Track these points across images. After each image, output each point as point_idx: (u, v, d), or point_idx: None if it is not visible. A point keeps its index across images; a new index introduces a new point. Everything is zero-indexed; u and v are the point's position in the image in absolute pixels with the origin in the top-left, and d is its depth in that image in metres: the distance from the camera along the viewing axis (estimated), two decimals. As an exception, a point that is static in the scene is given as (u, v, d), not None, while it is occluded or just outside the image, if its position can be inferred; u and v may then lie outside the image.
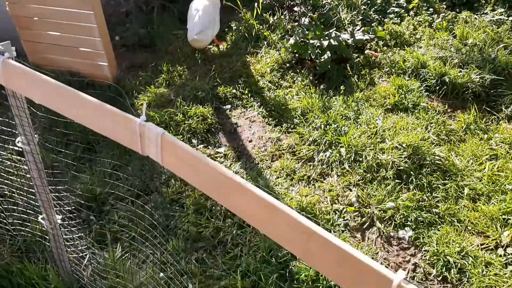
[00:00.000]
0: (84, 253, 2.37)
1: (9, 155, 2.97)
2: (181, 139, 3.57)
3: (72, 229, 2.55)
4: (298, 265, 2.66)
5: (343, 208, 3.02)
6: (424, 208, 2.95)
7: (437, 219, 2.90)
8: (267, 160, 3.41)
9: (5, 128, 2.48)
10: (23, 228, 2.66)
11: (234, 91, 3.99)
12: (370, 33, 4.43)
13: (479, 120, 3.58)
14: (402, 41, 4.40)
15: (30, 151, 1.84)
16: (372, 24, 4.61)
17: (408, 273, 2.69)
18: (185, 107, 3.76)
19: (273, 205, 1.04)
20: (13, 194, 2.83)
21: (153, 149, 1.28)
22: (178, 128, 3.62)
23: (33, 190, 2.14)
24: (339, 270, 0.98)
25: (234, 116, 3.82)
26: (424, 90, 3.86)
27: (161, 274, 2.25)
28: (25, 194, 2.59)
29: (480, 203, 2.99)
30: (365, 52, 4.32)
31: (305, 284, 2.58)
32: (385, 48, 4.34)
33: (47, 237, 2.36)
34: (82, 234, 2.73)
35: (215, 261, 2.71)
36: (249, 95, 3.97)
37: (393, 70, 4.07)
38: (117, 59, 4.32)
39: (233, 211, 1.17)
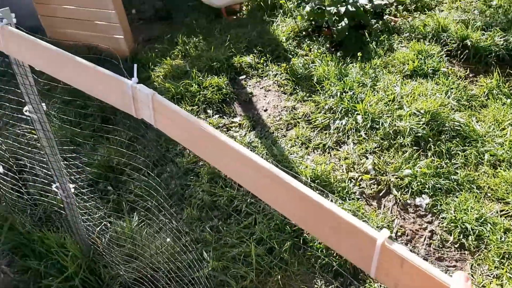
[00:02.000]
0: (99, 221, 2.42)
1: (28, 127, 3.04)
2: (197, 109, 3.57)
3: (89, 198, 2.61)
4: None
5: (359, 176, 2.98)
6: (442, 175, 2.88)
7: (456, 186, 2.83)
8: (282, 129, 3.39)
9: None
10: (43, 198, 2.73)
11: (249, 60, 3.95)
12: (390, -3, 4.29)
13: (502, 84, 3.46)
14: (423, 5, 4.25)
15: (37, 120, 1.86)
16: (392, -12, 4.46)
17: (424, 240, 2.65)
18: (200, 78, 3.75)
19: (257, 164, 1.03)
20: (33, 166, 2.91)
21: (146, 111, 1.28)
22: (193, 99, 3.62)
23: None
24: (326, 229, 0.96)
25: (249, 85, 3.80)
26: (444, 55, 3.74)
27: (168, 240, 2.28)
28: (44, 165, 2.65)
29: (501, 169, 2.90)
30: (384, 17, 4.19)
31: (319, 251, 2.58)
32: (405, 13, 4.21)
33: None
34: (99, 203, 2.79)
35: (229, 229, 2.73)
36: (265, 64, 3.92)
37: (413, 35, 3.95)
38: (133, 32, 4.33)
39: (225, 173, 1.16)
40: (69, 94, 3.61)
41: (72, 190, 2.16)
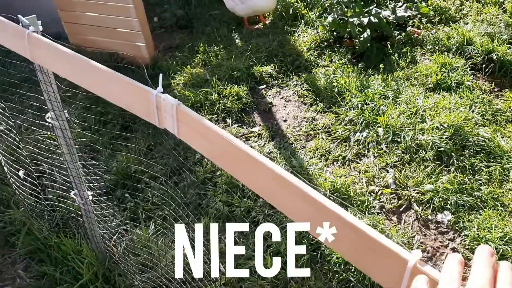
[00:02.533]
0: (115, 230, 2.41)
1: (48, 133, 3.06)
2: (216, 118, 3.56)
3: (106, 206, 2.60)
4: (330, 247, 2.60)
5: (379, 189, 2.93)
6: (465, 191, 2.81)
7: (479, 203, 2.76)
8: (301, 140, 3.35)
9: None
10: (61, 205, 2.73)
11: (269, 70, 3.93)
12: (413, 9, 4.23)
13: (528, 99, 3.37)
14: (447, 17, 4.18)
15: (59, 127, 1.86)
16: (415, 0, 4.40)
17: (445, 257, 2.58)
18: (220, 86, 3.74)
19: (284, 178, 0.99)
20: (52, 172, 2.92)
21: (169, 121, 1.25)
22: (213, 107, 3.61)
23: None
24: (353, 249, 0.92)
25: (269, 95, 3.77)
26: (469, 68, 3.66)
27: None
28: (63, 171, 2.65)
29: (526, 186, 2.82)
30: (407, 29, 4.14)
31: (336, 266, 2.53)
32: (428, 25, 4.15)
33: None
34: (116, 211, 2.78)
35: (246, 241, 2.70)
36: (285, 74, 3.90)
37: (436, 48, 3.89)
38: (155, 40, 4.35)
39: (247, 185, 1.13)
40: (89, 100, 3.63)
41: (90, 197, 2.15)
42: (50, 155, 3.03)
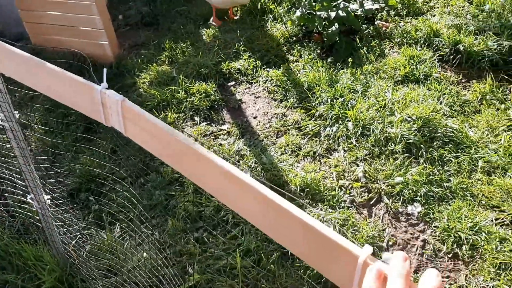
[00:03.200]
0: (74, 234, 2.31)
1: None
2: (183, 117, 3.48)
3: (67, 209, 2.51)
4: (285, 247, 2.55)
5: (349, 184, 2.90)
6: (435, 183, 2.80)
7: (449, 194, 2.75)
8: (272, 137, 3.30)
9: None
10: (20, 210, 2.62)
11: (238, 66, 3.87)
12: (381, 2, 4.22)
13: (495, 89, 3.39)
14: (415, 10, 4.19)
15: (9, 128, 1.77)
16: (383, -7, 4.40)
17: (416, 250, 2.56)
18: (188, 84, 3.66)
19: (232, 174, 0.93)
20: (10, 177, 2.80)
21: (115, 118, 1.18)
22: (180, 105, 3.53)
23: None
24: (304, 245, 0.87)
25: (239, 92, 3.71)
26: (437, 60, 3.67)
27: (149, 253, 2.17)
28: (20, 176, 2.54)
29: (495, 176, 2.82)
30: (375, 22, 4.13)
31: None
32: (396, 18, 4.15)
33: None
34: (80, 215, 2.68)
35: (215, 241, 2.64)
36: (254, 70, 3.84)
37: (405, 41, 3.88)
38: (120, 38, 4.24)
39: (196, 183, 1.07)
40: (51, 102, 3.51)
41: (48, 201, 2.05)
42: (6, 159, 2.91)
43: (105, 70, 1.23)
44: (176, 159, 1.08)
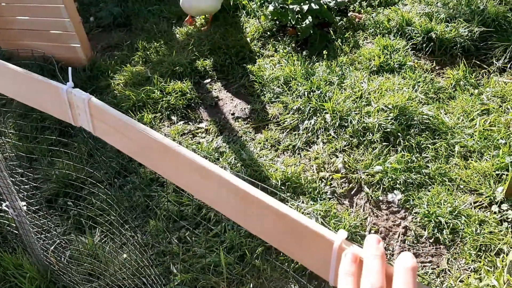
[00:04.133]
0: (53, 240, 2.27)
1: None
2: (160, 116, 3.45)
3: (45, 216, 2.46)
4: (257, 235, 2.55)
5: (330, 175, 2.91)
6: (414, 170, 2.83)
7: (427, 180, 2.78)
8: (250, 132, 3.29)
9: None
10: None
11: (213, 63, 3.85)
12: (353, -6, 4.24)
13: (469, 75, 3.43)
14: (387, 0, 4.21)
15: (-22, 135, 1.72)
16: (355, -15, 4.42)
17: (398, 236, 2.59)
18: (163, 83, 3.62)
19: (204, 167, 0.92)
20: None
21: (83, 118, 1.16)
22: (156, 105, 3.49)
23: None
24: (278, 234, 0.86)
25: (215, 89, 3.69)
26: (410, 49, 3.70)
27: (124, 255, 2.14)
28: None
29: (472, 160, 2.86)
30: (349, 14, 4.15)
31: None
32: (369, 8, 4.17)
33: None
34: (58, 220, 2.64)
35: (198, 239, 2.62)
36: (230, 67, 3.82)
37: (378, 31, 3.91)
38: (92, 41, 4.18)
39: (170, 180, 1.05)
40: (25, 108, 3.44)
41: (24, 208, 2.01)
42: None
43: (70, 69, 1.20)
44: (146, 155, 1.06)
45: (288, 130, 3.25)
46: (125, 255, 2.28)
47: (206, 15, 4.23)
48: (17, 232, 2.26)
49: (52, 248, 2.14)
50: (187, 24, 4.25)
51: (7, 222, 2.45)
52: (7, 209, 2.04)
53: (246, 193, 0.91)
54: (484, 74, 3.47)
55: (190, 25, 4.24)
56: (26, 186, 2.36)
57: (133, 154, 1.10)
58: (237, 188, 0.92)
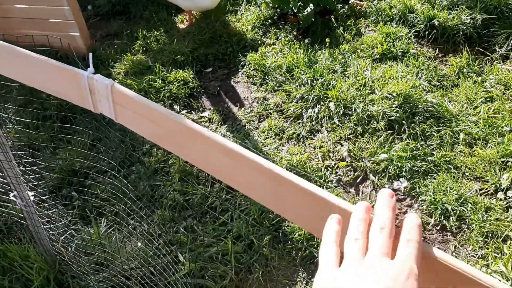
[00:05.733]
0: (62, 230, 2.25)
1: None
2: (162, 105, 3.41)
3: (51, 205, 2.44)
4: (291, 225, 2.56)
5: (335, 163, 2.90)
6: (419, 157, 2.83)
7: (433, 167, 2.78)
8: (254, 121, 3.27)
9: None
10: (2, 209, 2.54)
11: (215, 52, 3.81)
12: (354, -19, 4.21)
13: (472, 62, 3.43)
14: (388, -13, 4.19)
15: (-14, 124, 1.69)
16: (356, -28, 4.39)
17: (405, 224, 2.58)
18: (164, 72, 3.59)
19: (237, 152, 0.90)
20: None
21: (104, 104, 1.13)
22: (158, 94, 3.46)
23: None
24: (315, 219, 0.85)
25: (217, 78, 3.66)
26: (413, 36, 3.69)
27: (139, 244, 2.13)
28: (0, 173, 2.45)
29: (477, 147, 2.87)
30: (350, 1, 4.12)
31: (299, 243, 2.48)
32: (370, -4, 4.14)
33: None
34: (64, 211, 2.61)
35: (205, 228, 2.61)
36: (231, 55, 3.79)
37: (380, 18, 3.89)
38: (91, 29, 4.13)
39: (197, 165, 1.04)
40: (25, 95, 3.40)
41: (32, 198, 1.99)
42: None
43: (90, 54, 1.18)
44: (174, 141, 1.04)
45: (292, 118, 3.24)
46: (132, 245, 2.27)
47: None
48: (23, 222, 2.23)
49: (62, 238, 2.12)
50: (188, 24, 4.15)
51: (13, 212, 2.42)
52: (14, 199, 2.02)
53: (280, 176, 0.89)
54: (487, 62, 3.47)
55: (190, 24, 4.13)
56: (30, 176, 2.33)
57: (159, 140, 1.09)
58: (270, 171, 0.91)
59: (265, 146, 3.06)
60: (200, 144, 0.97)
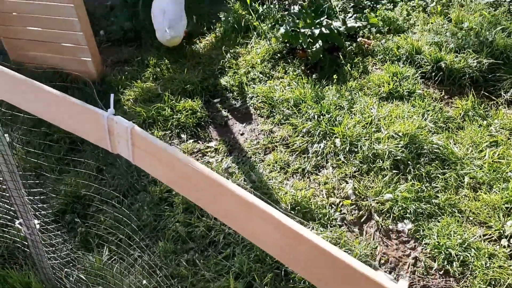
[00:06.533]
0: (65, 259, 2.24)
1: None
2: (170, 134, 3.44)
3: (54, 233, 2.43)
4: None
5: (340, 201, 2.90)
6: (423, 199, 2.83)
7: (437, 210, 2.78)
8: (259, 153, 3.28)
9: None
10: (5, 235, 2.53)
11: (224, 83, 3.86)
12: (363, 20, 4.29)
13: (477, 106, 3.46)
14: (396, 27, 4.26)
15: (-1, 153, 1.70)
16: (364, 11, 4.47)
17: (408, 267, 2.58)
18: (173, 101, 3.62)
19: (253, 204, 0.91)
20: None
21: (123, 146, 1.15)
22: (166, 123, 3.48)
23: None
24: (329, 278, 0.85)
25: (225, 109, 3.69)
26: (419, 77, 3.74)
27: (144, 282, 2.12)
28: (6, 200, 2.45)
29: (481, 192, 2.87)
30: (358, 40, 4.19)
31: (301, 283, 2.46)
32: (378, 35, 4.21)
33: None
34: (66, 238, 2.60)
35: (206, 262, 2.59)
36: (240, 87, 3.83)
37: (387, 58, 3.94)
38: (102, 55, 4.18)
39: (209, 212, 1.05)
40: (32, 120, 3.41)
41: (37, 226, 1.98)
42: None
43: (112, 95, 1.20)
44: (189, 187, 1.05)
45: (297, 152, 3.25)
46: (135, 278, 2.25)
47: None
48: (26, 250, 2.22)
49: (65, 268, 2.11)
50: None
51: (17, 239, 2.41)
52: (20, 226, 2.02)
53: (296, 233, 0.90)
54: (492, 106, 3.50)
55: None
56: (36, 205, 2.33)
57: (174, 184, 1.10)
58: (286, 227, 0.91)
59: (270, 180, 3.06)
60: (217, 193, 0.98)
